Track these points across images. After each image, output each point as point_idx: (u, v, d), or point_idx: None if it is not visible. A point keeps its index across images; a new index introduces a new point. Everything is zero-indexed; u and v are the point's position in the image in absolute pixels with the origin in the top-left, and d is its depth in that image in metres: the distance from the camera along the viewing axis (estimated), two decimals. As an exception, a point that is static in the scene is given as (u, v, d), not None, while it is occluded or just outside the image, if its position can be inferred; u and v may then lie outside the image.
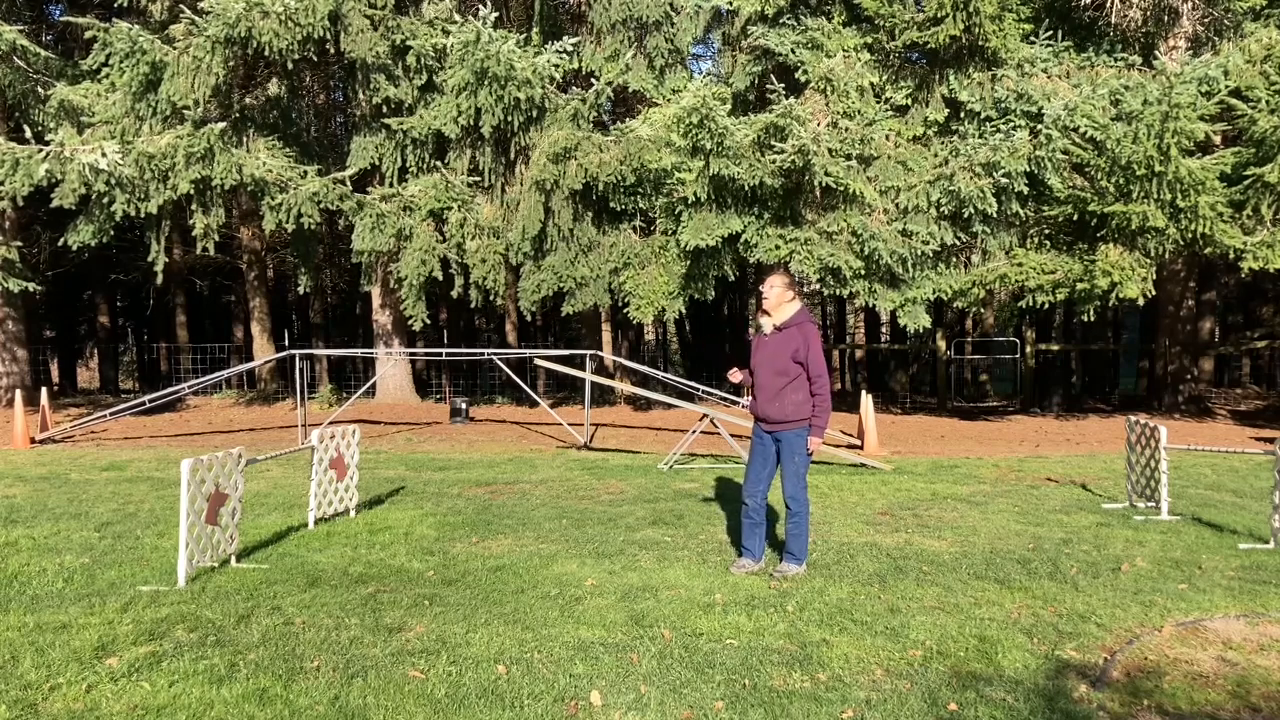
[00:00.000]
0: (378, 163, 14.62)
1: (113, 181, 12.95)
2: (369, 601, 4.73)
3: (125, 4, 14.34)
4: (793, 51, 13.54)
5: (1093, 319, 13.78)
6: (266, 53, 13.26)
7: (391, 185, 14.38)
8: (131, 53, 13.12)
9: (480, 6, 13.06)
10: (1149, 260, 12.26)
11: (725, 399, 13.20)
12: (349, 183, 14.29)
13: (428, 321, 14.94)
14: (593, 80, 14.55)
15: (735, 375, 5.46)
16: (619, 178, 13.43)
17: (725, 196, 12.79)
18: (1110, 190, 12.18)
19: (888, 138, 13.30)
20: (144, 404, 13.08)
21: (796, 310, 5.29)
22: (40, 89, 14.32)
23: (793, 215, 12.95)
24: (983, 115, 13.07)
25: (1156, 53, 12.82)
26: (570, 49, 13.70)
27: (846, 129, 12.76)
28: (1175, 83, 11.57)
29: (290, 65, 14.34)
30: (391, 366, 17.05)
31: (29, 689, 3.59)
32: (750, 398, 5.50)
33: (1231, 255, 12.19)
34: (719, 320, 29.52)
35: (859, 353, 29.47)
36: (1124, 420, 9.28)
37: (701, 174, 12.39)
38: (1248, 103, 12.12)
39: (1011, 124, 12.74)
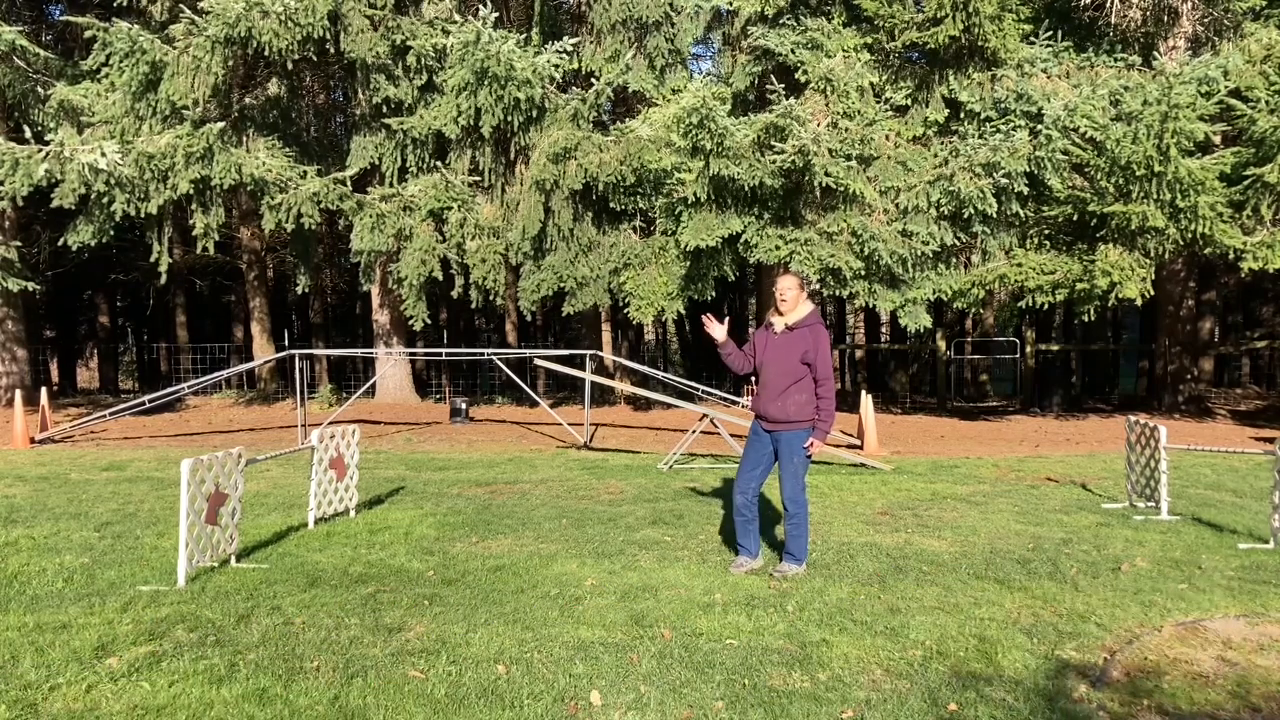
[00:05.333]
0: (378, 163, 14.61)
1: (112, 181, 12.95)
2: (369, 601, 4.73)
3: (125, 4, 14.32)
4: (793, 52, 13.54)
5: (1093, 319, 13.78)
6: (266, 53, 13.26)
7: (391, 185, 14.38)
8: (131, 52, 13.11)
9: (480, 6, 13.06)
10: (1149, 260, 12.26)
11: (725, 399, 13.21)
12: (349, 183, 14.28)
13: (428, 321, 14.93)
14: (593, 80, 14.54)
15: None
16: (619, 178, 13.42)
17: (725, 197, 12.79)
18: (1110, 190, 12.18)
19: (888, 138, 13.31)
20: (144, 404, 13.07)
21: (809, 311, 5.29)
22: (40, 89, 14.31)
23: (793, 215, 12.95)
24: (983, 115, 13.07)
25: (1156, 53, 12.82)
26: (570, 49, 13.69)
27: (846, 129, 12.76)
28: (1175, 83, 11.58)
29: (290, 65, 14.34)
30: (391, 366, 17.05)
31: (29, 689, 3.59)
32: (752, 395, 5.50)
33: (1231, 255, 12.19)
34: (719, 320, 29.46)
35: (859, 353, 29.46)
36: (1124, 420, 9.28)
37: (701, 174, 12.39)
38: (1247, 103, 12.13)
39: (1011, 124, 12.74)
